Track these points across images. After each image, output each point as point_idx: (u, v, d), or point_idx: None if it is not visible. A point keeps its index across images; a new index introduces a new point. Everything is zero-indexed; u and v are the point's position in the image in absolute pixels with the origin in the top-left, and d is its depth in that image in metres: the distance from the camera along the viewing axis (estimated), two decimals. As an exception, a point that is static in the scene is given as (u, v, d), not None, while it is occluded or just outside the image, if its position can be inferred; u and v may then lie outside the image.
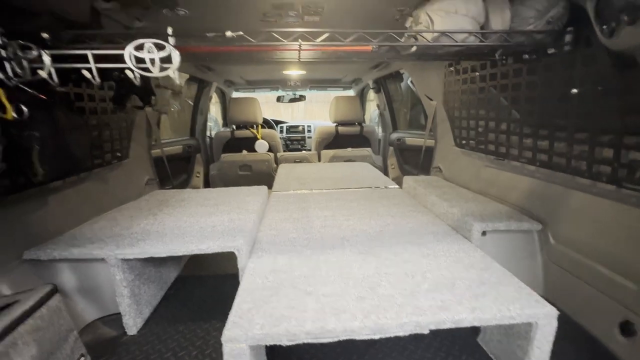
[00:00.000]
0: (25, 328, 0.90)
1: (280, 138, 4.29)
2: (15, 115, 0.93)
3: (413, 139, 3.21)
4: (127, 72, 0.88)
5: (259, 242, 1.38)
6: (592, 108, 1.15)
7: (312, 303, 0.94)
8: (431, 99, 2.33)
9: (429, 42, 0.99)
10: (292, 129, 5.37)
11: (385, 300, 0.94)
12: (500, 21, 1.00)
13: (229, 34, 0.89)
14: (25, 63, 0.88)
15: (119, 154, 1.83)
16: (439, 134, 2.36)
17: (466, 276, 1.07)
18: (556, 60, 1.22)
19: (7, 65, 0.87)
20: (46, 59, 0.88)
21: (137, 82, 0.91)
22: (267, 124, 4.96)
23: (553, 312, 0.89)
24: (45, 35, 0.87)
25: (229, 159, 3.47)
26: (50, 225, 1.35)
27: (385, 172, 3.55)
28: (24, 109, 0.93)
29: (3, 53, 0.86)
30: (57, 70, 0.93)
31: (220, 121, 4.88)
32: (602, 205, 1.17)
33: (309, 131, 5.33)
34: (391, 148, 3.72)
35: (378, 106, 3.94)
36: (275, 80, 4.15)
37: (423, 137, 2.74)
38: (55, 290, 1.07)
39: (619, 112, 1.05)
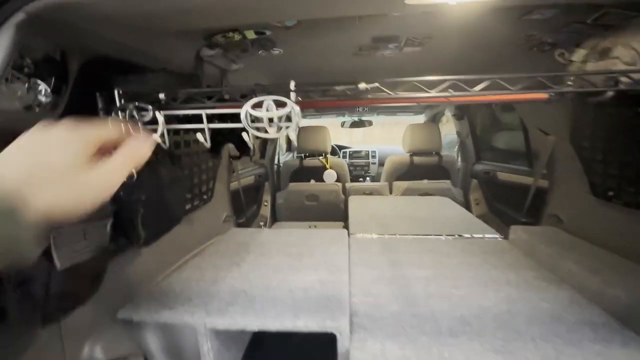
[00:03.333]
0: None
1: None
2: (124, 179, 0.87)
3: (506, 174, 2.75)
4: (243, 134, 0.76)
5: (356, 315, 1.15)
6: None
7: None
8: (547, 134, 1.93)
9: (634, 81, 0.69)
10: (355, 154, 5.19)
11: None
12: None
13: (362, 86, 0.72)
14: (140, 125, 0.81)
15: (205, 197, 1.80)
16: (558, 175, 1.92)
17: None
18: None
19: (122, 128, 0.82)
20: (160, 120, 0.80)
21: (251, 145, 0.78)
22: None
23: None
24: (161, 95, 0.80)
25: (296, 188, 3.38)
26: (142, 276, 1.30)
27: (468, 208, 3.12)
28: (134, 172, 0.87)
29: (120, 116, 0.81)
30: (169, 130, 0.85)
31: (284, 146, 4.91)
32: None
33: (373, 157, 5.09)
34: (474, 181, 3.28)
35: (458, 133, 3.55)
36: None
37: (520, 173, 2.32)
38: (146, 367, 0.96)
39: None
